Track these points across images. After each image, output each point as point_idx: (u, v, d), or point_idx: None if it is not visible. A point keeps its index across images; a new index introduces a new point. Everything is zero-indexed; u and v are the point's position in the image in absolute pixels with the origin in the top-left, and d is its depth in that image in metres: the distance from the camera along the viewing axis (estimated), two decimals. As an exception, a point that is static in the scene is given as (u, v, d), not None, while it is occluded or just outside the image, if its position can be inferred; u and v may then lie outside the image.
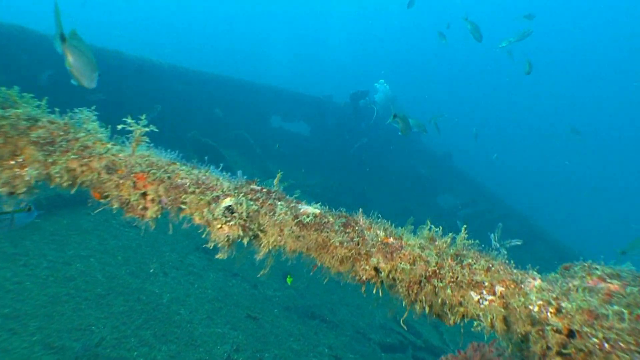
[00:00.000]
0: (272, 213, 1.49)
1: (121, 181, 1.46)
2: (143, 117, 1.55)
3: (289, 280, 6.84)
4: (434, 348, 7.44)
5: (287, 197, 1.60)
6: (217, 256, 1.47)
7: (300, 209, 1.53)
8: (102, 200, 1.52)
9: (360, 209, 1.59)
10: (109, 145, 1.54)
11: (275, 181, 1.63)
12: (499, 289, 1.41)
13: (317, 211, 1.53)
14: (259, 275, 1.50)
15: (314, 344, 6.24)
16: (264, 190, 1.58)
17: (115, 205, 1.52)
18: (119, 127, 1.52)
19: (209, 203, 1.47)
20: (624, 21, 42.64)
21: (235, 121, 11.13)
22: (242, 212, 1.44)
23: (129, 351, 4.63)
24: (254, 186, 1.58)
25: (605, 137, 53.60)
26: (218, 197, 1.48)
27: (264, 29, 63.09)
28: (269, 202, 1.52)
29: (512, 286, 1.41)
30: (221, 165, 1.64)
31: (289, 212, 1.49)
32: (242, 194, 1.50)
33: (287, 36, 62.78)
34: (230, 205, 1.43)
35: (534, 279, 1.44)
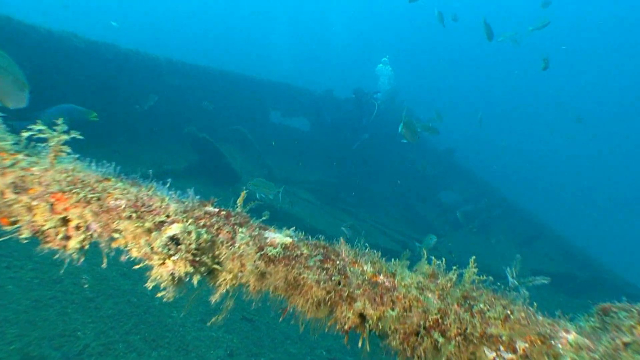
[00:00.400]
0: (230, 243, 1.15)
1: (34, 203, 1.13)
2: (60, 121, 1.20)
3: None
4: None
5: (252, 221, 1.26)
6: (158, 295, 1.14)
7: (267, 237, 1.19)
8: (8, 228, 1.19)
9: (342, 238, 1.25)
10: (19, 157, 1.19)
11: (239, 200, 1.29)
12: (520, 345, 1.07)
13: (288, 240, 1.19)
14: (209, 324, 1.16)
15: (312, 346, 5.94)
16: (222, 213, 1.24)
17: (26, 234, 1.18)
18: (25, 133, 1.17)
19: (149, 231, 1.13)
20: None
21: (234, 116, 10.79)
22: (190, 244, 1.10)
23: (115, 358, 4.34)
24: (209, 208, 1.24)
25: (617, 129, 52.09)
26: (162, 223, 1.14)
27: (264, 16, 61.79)
28: (226, 230, 1.18)
29: (539, 342, 1.07)
30: (169, 181, 1.29)
31: (252, 242, 1.15)
32: (192, 220, 1.16)
33: (288, 23, 61.54)
34: (175, 234, 1.09)
35: (567, 331, 1.09)
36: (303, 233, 1.27)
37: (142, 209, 1.15)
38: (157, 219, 1.14)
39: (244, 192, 1.31)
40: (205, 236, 1.13)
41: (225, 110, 10.47)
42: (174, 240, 1.09)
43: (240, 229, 1.19)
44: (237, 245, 1.15)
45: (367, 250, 1.25)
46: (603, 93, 50.97)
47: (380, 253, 1.25)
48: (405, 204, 11.90)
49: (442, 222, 11.56)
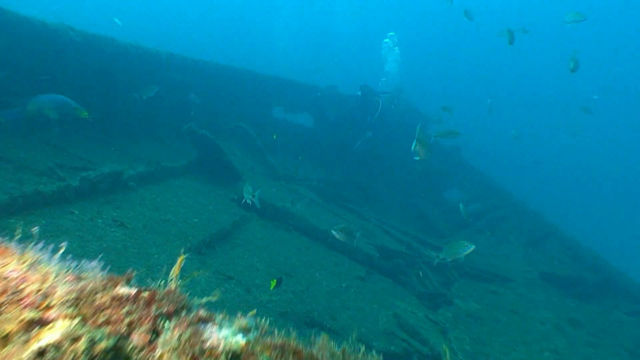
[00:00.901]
0: (147, 350, 0.71)
1: None
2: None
3: (272, 283, 6.10)
4: (440, 357, 6.71)
5: (189, 307, 0.81)
6: None
7: (206, 337, 0.74)
8: None
9: (323, 334, 0.81)
10: None
11: (174, 269, 0.84)
12: None
13: (240, 343, 0.74)
14: None
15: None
16: (143, 296, 0.79)
17: None
18: None
19: (6, 339, 0.69)
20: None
21: (235, 112, 10.33)
22: (76, 358, 0.66)
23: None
24: (121, 289, 0.79)
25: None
26: (35, 323, 0.70)
27: (267, 7, 60.25)
28: (144, 328, 0.74)
29: None
30: (64, 244, 0.83)
31: (181, 348, 0.71)
32: (86, 313, 0.72)
33: (292, 13, 60.00)
34: (49, 345, 0.65)
35: None
36: (266, 323, 0.82)
37: (4, 298, 0.71)
38: (27, 315, 0.70)
39: (182, 256, 0.86)
40: (104, 343, 0.69)
41: (227, 106, 10.03)
42: (43, 356, 0.65)
43: (167, 324, 0.75)
44: (157, 353, 0.71)
45: (361, 353, 0.80)
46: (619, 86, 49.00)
47: (382, 356, 0.80)
48: (410, 203, 11.43)
49: (447, 221, 11.09)
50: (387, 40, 14.56)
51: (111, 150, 7.78)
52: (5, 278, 0.74)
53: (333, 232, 6.22)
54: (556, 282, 9.27)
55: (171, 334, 0.74)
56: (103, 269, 0.80)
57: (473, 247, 5.71)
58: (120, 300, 0.77)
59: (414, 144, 5.72)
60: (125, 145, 7.99)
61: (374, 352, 0.84)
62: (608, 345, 7.82)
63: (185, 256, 0.88)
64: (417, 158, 6.06)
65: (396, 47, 14.42)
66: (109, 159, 7.30)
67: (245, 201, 6.59)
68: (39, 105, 5.86)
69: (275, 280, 5.94)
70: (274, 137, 9.99)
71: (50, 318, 0.71)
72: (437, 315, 7.44)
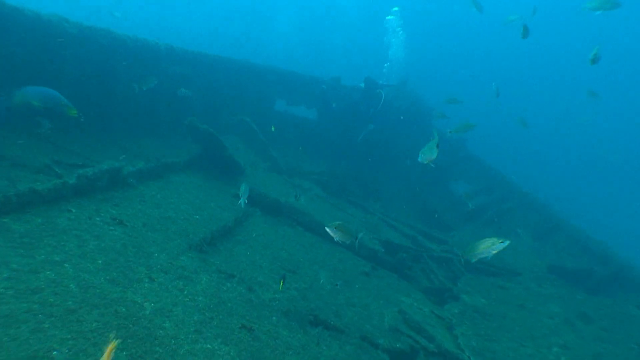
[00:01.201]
0: None
1: None
2: None
3: (280, 285, 5.90)
4: (447, 354, 6.50)
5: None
6: None
7: None
8: None
9: None
10: None
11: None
12: None
13: None
14: None
15: (315, 357, 5.34)
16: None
17: None
18: None
19: None
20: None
21: (237, 105, 10.05)
22: None
23: (95, 381, 3.75)
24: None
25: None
26: None
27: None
28: None
29: None
30: None
31: None
32: None
33: (293, 3, 58.65)
34: None
35: None
36: None
37: None
38: None
39: (114, 343, 0.58)
40: None
41: (228, 99, 9.74)
42: None
43: None
44: None
45: None
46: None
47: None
48: (415, 195, 11.15)
49: (454, 214, 10.81)
50: (390, 17, 13.94)
51: (110, 146, 7.55)
52: None
53: (327, 229, 5.84)
54: (565, 276, 9.01)
55: None
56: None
57: (508, 242, 4.93)
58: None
59: (433, 147, 5.13)
60: (124, 140, 7.76)
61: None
62: (619, 340, 7.57)
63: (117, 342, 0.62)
64: (427, 163, 5.54)
65: (399, 29, 13.84)
66: (107, 155, 7.07)
67: (244, 199, 6.38)
68: (26, 96, 5.58)
69: (282, 282, 5.73)
70: (273, 129, 9.69)
71: None
72: (444, 311, 7.21)
